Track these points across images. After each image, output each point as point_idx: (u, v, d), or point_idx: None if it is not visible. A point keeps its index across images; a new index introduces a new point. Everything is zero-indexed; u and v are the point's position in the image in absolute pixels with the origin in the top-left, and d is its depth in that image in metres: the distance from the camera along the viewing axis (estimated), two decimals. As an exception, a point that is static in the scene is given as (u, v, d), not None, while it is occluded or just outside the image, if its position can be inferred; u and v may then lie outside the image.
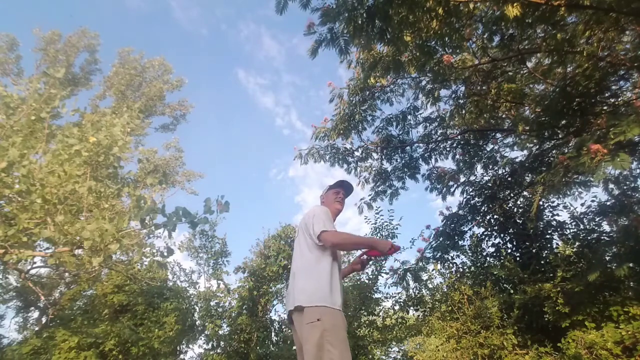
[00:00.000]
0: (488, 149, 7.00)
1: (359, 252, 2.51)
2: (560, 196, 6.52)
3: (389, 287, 10.43)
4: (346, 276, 2.49)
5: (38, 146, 5.02)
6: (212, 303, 9.67)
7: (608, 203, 5.91)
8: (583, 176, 5.23)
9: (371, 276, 8.36)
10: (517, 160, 6.72)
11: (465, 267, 7.48)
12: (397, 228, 7.98)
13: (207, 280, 10.73)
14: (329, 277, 2.13)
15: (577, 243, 6.15)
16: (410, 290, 7.82)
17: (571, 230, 6.60)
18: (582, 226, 6.44)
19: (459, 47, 5.01)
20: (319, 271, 2.15)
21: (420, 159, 6.98)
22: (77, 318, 9.05)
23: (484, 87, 6.13)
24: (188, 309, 9.86)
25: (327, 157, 6.79)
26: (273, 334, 9.85)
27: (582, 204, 7.07)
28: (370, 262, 7.52)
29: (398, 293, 8.21)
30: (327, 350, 1.90)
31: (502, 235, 7.32)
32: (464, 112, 6.57)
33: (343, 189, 2.61)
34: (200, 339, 9.88)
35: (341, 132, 6.46)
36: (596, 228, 6.17)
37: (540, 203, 6.71)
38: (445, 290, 7.43)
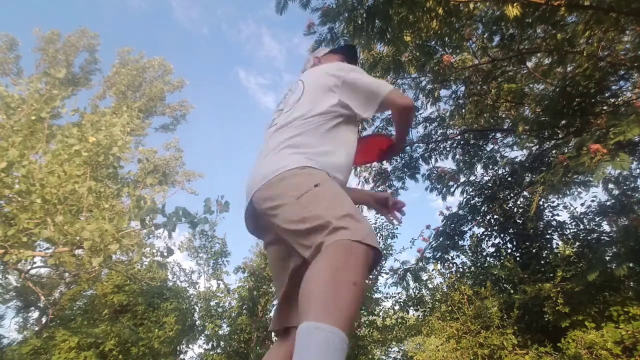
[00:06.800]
0: (488, 149, 7.00)
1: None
2: (560, 196, 6.51)
3: (389, 287, 10.48)
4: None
5: (38, 146, 5.02)
6: (212, 303, 9.65)
7: (608, 203, 5.91)
8: (583, 176, 5.23)
9: (371, 276, 8.36)
10: (517, 160, 6.72)
11: (465, 267, 7.49)
12: (397, 228, 8.02)
13: (207, 280, 10.71)
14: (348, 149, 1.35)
15: (577, 243, 6.15)
16: (410, 290, 7.83)
17: (571, 230, 6.61)
18: (582, 226, 6.45)
19: (459, 47, 5.02)
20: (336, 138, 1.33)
21: (420, 159, 6.96)
22: (77, 318, 9.05)
23: (484, 87, 6.12)
24: (188, 309, 9.85)
25: (326, 157, 6.77)
26: (273, 333, 9.84)
27: (582, 204, 7.10)
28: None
29: (398, 293, 8.22)
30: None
31: (502, 235, 7.32)
32: (464, 112, 6.56)
33: (346, 57, 1.72)
34: (200, 339, 9.87)
35: (341, 132, 6.45)
36: (596, 228, 6.18)
37: (540, 203, 6.71)
38: (445, 290, 7.43)
